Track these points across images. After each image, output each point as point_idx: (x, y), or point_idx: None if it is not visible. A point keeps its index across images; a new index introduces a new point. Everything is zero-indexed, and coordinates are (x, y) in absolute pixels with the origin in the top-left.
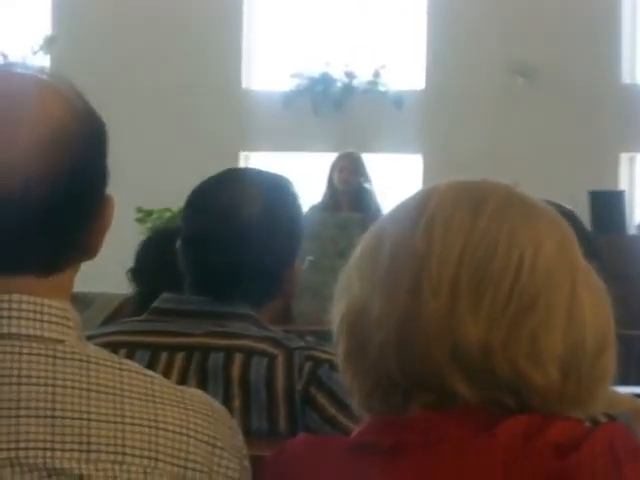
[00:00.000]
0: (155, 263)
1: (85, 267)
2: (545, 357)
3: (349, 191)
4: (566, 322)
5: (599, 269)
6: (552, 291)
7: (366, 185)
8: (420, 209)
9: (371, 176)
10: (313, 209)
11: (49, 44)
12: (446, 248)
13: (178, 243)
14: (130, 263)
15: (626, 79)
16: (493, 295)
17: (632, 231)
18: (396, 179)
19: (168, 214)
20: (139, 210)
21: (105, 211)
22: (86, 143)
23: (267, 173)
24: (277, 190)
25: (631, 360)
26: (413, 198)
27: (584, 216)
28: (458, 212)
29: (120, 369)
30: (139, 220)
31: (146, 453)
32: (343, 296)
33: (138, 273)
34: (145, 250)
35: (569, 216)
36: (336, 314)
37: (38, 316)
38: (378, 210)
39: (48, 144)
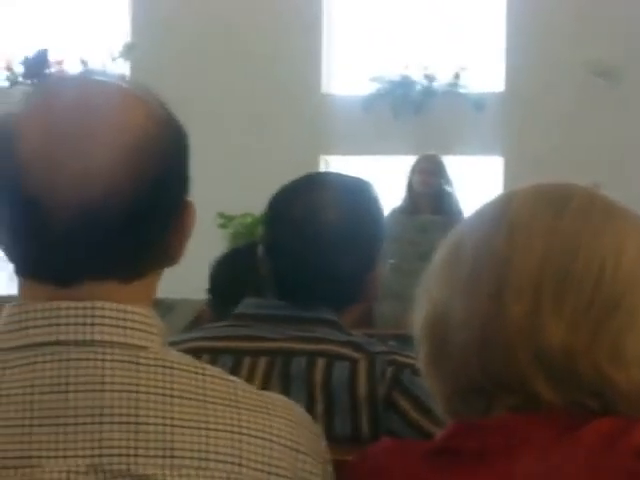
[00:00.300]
0: (229, 281)
1: (168, 273)
2: (629, 359)
3: (429, 194)
4: None
5: None
6: (635, 293)
7: (447, 188)
8: (501, 213)
9: (452, 179)
10: (394, 213)
11: (128, 51)
12: (528, 251)
13: (260, 250)
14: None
15: None
16: (576, 297)
17: None
18: (477, 181)
19: (249, 219)
20: (221, 216)
21: (186, 218)
22: (168, 150)
23: (347, 177)
24: (358, 193)
25: None
26: (493, 202)
27: None
28: (539, 215)
29: (203, 374)
30: (221, 225)
31: (230, 459)
32: (425, 300)
33: (214, 293)
34: (218, 269)
35: None
36: (418, 318)
37: (121, 322)
38: (459, 213)
39: (130, 151)
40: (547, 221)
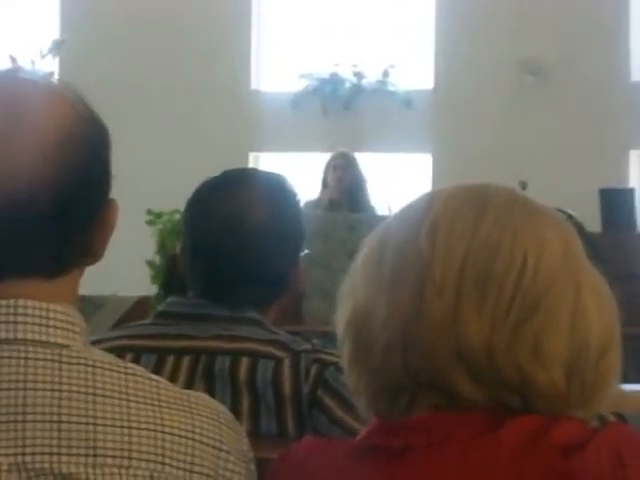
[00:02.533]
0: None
1: (97, 269)
2: (549, 358)
3: (343, 190)
4: (570, 324)
5: (603, 272)
6: (556, 293)
7: (360, 184)
8: (424, 213)
9: (366, 175)
10: (307, 205)
11: (58, 47)
12: (450, 252)
13: (179, 248)
14: (141, 265)
15: (635, 77)
16: (497, 297)
17: None
18: (406, 179)
19: (178, 216)
20: (149, 212)
21: (108, 215)
22: (90, 148)
23: (266, 174)
24: (280, 189)
25: None
26: (416, 201)
27: (594, 214)
28: (461, 216)
29: (125, 373)
30: (149, 222)
31: (152, 457)
32: (348, 299)
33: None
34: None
35: (569, 219)
36: (341, 317)
37: (44, 321)
38: (373, 209)
39: (53, 149)
40: (468, 222)
